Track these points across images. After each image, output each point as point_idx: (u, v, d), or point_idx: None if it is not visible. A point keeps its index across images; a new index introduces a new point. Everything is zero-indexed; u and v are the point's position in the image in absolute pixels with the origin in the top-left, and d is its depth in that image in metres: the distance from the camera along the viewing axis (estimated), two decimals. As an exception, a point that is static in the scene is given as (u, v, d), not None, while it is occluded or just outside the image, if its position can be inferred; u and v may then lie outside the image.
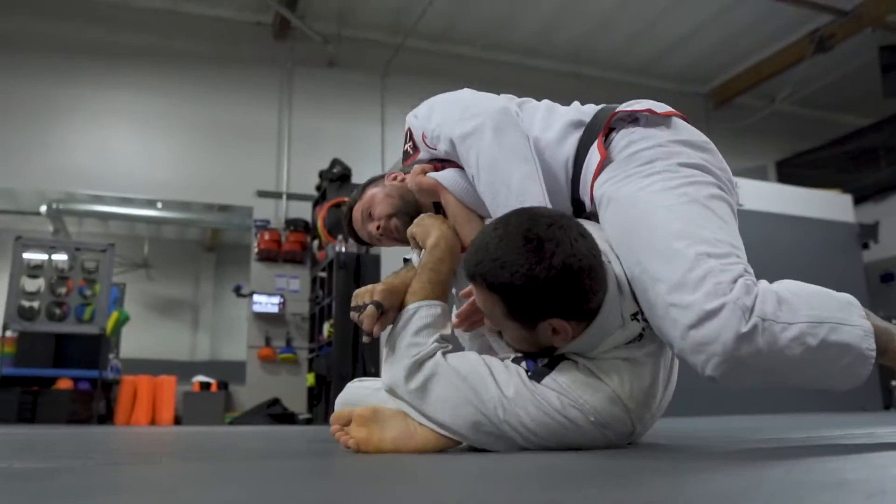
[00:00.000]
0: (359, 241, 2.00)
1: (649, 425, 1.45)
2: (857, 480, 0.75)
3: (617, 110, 1.55)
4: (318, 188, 7.31)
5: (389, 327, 1.49)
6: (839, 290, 1.33)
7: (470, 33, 8.23)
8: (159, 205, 7.47)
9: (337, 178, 6.96)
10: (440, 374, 1.35)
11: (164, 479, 0.98)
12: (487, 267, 1.23)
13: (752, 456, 1.13)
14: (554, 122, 1.62)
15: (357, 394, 1.81)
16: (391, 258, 5.87)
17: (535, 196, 1.47)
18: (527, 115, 1.64)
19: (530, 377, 1.32)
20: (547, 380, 1.31)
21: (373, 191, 1.90)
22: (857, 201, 7.06)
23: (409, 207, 1.80)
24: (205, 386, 6.68)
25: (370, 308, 1.55)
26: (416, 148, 1.80)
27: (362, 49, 8.11)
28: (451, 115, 1.62)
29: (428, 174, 1.70)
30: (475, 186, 1.56)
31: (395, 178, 1.86)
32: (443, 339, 1.44)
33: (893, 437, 1.50)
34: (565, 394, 1.29)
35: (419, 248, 1.63)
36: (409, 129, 1.81)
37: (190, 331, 8.27)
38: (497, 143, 1.51)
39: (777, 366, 1.23)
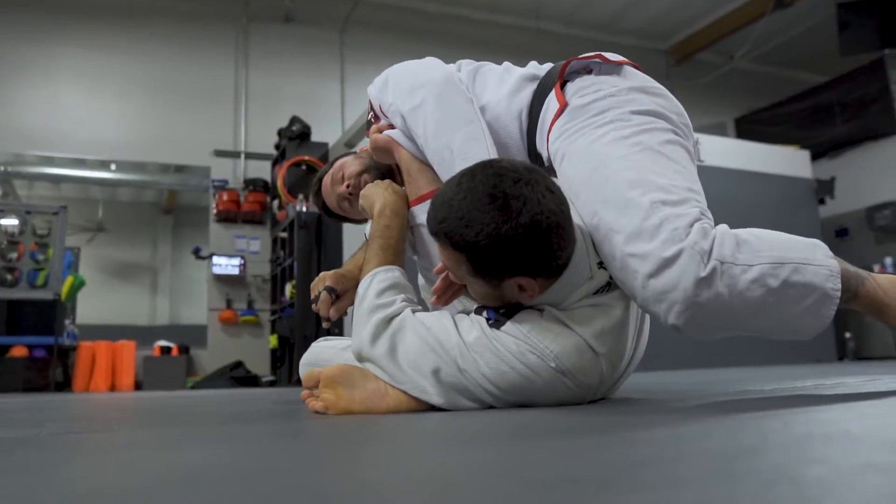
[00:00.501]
0: (328, 212, 1.99)
1: (622, 378, 1.44)
2: (862, 430, 0.74)
3: (569, 60, 1.54)
4: (277, 147, 7.17)
5: (357, 293, 1.46)
6: None
7: (430, -12, 8.07)
8: (113, 166, 7.26)
9: (296, 136, 6.83)
10: (407, 328, 1.33)
11: (121, 447, 0.94)
12: (452, 225, 1.19)
13: (738, 408, 1.12)
14: (508, 78, 1.62)
15: (323, 354, 1.79)
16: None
17: (479, 155, 1.45)
18: (482, 78, 1.65)
19: (490, 325, 1.29)
20: (507, 326, 1.29)
21: (343, 160, 1.95)
22: (814, 157, 7.17)
23: (381, 167, 1.80)
24: (165, 350, 6.59)
25: (323, 294, 1.63)
26: (377, 118, 1.80)
27: (320, 4, 7.90)
28: (400, 89, 1.63)
29: (383, 132, 1.70)
30: (425, 156, 1.56)
31: (364, 150, 1.88)
32: (408, 300, 1.41)
33: (868, 387, 1.52)
34: (524, 339, 1.26)
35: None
36: (370, 100, 1.80)
37: (149, 295, 8.12)
38: (439, 110, 1.52)
39: (739, 310, 1.21)
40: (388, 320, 1.34)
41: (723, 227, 1.26)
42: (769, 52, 9.26)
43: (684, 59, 9.32)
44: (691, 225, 1.22)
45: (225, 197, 7.11)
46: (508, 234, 1.15)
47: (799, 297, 1.23)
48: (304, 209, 6.20)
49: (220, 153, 7.32)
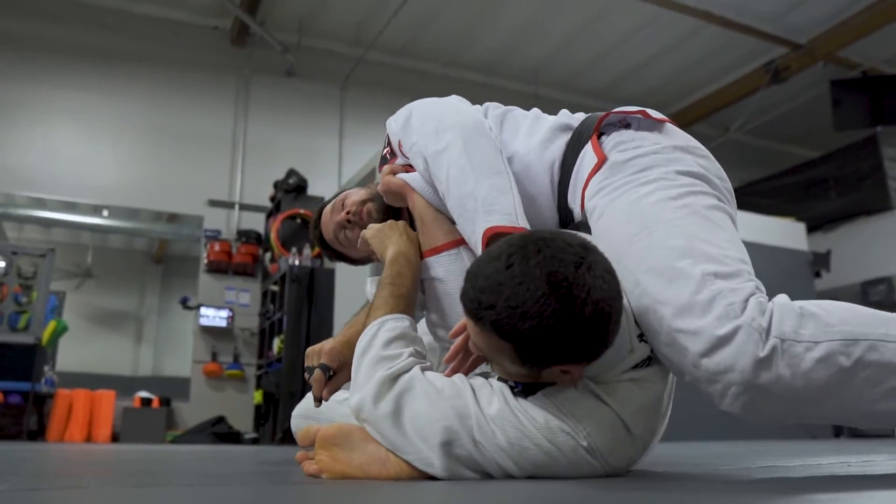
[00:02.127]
0: (324, 245, 1.88)
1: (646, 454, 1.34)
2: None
3: (608, 112, 1.46)
4: (273, 199, 7.13)
5: (360, 340, 1.32)
6: None
7: (431, 49, 8.19)
8: (105, 212, 7.19)
9: (292, 189, 6.80)
10: (415, 389, 1.19)
11: (89, 509, 0.83)
12: (504, 314, 1.03)
13: (784, 488, 1.02)
14: (540, 127, 1.53)
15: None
16: (346, 272, 5.72)
17: (505, 208, 1.34)
18: (511, 124, 1.56)
19: (516, 393, 1.17)
20: (537, 396, 1.16)
21: (349, 190, 1.84)
22: (809, 230, 7.18)
23: (385, 202, 1.68)
24: (146, 402, 6.40)
25: (317, 372, 1.48)
26: (393, 154, 1.69)
27: (322, 59, 7.99)
28: (426, 129, 1.52)
29: (397, 175, 1.59)
30: (446, 204, 1.45)
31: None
32: (418, 353, 1.28)
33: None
34: (554, 412, 1.15)
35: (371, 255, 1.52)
36: (388, 135, 1.70)
37: (133, 344, 7.96)
38: (465, 156, 1.40)
39: (806, 393, 1.09)
40: (394, 378, 1.21)
41: (782, 297, 1.16)
42: (764, 125, 9.39)
43: (681, 129, 9.42)
44: (747, 300, 1.12)
45: (217, 247, 7.03)
46: (569, 326, 1.02)
47: (877, 378, 1.10)
48: (297, 263, 6.12)
49: (214, 203, 7.27)
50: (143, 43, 7.35)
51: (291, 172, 6.92)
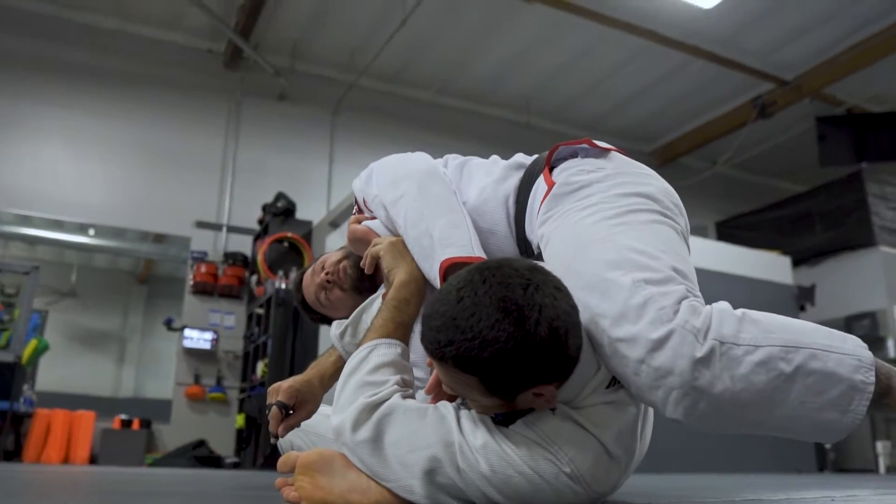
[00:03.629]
0: (306, 308, 1.93)
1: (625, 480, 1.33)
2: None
3: (557, 145, 1.51)
4: (261, 222, 7.11)
5: (351, 360, 1.33)
6: None
7: (423, 77, 8.25)
8: (91, 231, 7.14)
9: (281, 212, 6.79)
10: (397, 414, 1.18)
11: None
12: (462, 347, 1.04)
13: None
14: (495, 168, 1.60)
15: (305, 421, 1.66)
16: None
17: (460, 242, 1.39)
18: (468, 171, 1.62)
19: (497, 422, 1.17)
20: (517, 424, 1.16)
21: (328, 254, 1.91)
22: (794, 264, 7.23)
23: (361, 256, 1.75)
24: (126, 423, 6.31)
25: (273, 409, 1.51)
26: (360, 212, 1.76)
27: (314, 84, 8.02)
28: (384, 180, 1.60)
29: (362, 223, 1.66)
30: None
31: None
32: (404, 382, 1.27)
33: (878, 500, 1.41)
34: (535, 439, 1.14)
35: (373, 276, 1.52)
36: (355, 195, 1.77)
37: (114, 365, 7.86)
38: (421, 198, 1.47)
39: (746, 398, 1.09)
40: (375, 406, 1.20)
41: (722, 303, 1.17)
42: (751, 159, 9.50)
43: (668, 162, 9.51)
44: (679, 303, 1.14)
45: (203, 269, 6.99)
46: (526, 348, 1.03)
47: (819, 387, 1.11)
48: (283, 286, 6.09)
49: (201, 224, 7.25)
50: (136, 63, 7.35)
51: (280, 196, 6.91)
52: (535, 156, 1.58)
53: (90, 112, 7.05)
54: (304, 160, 7.77)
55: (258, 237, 7.06)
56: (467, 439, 1.15)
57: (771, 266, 6.76)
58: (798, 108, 8.25)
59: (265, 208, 7.03)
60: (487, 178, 1.56)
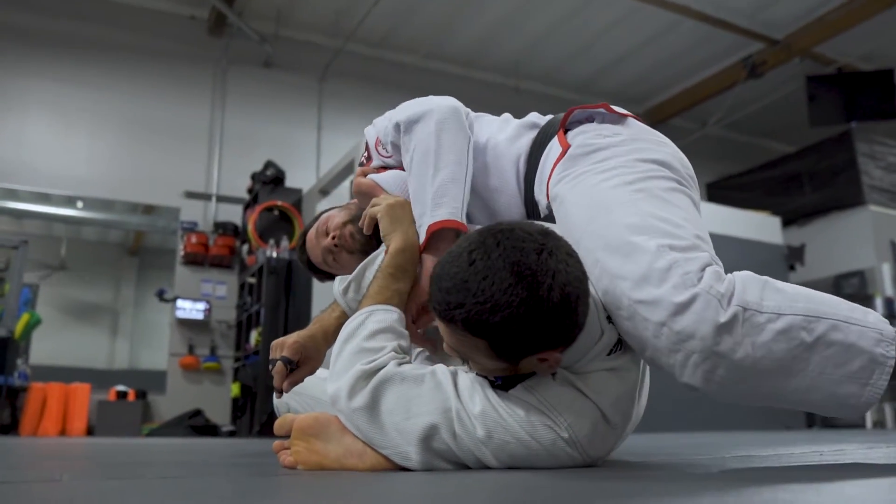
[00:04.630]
0: (312, 269, 1.90)
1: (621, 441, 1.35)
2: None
3: (573, 108, 1.49)
4: (250, 191, 7.07)
5: (346, 326, 1.32)
6: None
7: (411, 41, 8.15)
8: (80, 204, 7.08)
9: (270, 180, 6.75)
10: (393, 381, 1.18)
11: (60, 501, 0.82)
12: (473, 310, 1.03)
13: (759, 476, 1.03)
14: (508, 126, 1.58)
15: (305, 385, 1.66)
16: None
17: (453, 201, 1.39)
18: (480, 124, 1.61)
19: (496, 387, 1.17)
20: (517, 389, 1.16)
21: (329, 212, 1.86)
22: (784, 224, 7.26)
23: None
24: (121, 395, 6.33)
25: (278, 364, 1.49)
26: (369, 158, 1.73)
27: (300, 51, 7.92)
28: (405, 107, 1.57)
29: (368, 175, 1.64)
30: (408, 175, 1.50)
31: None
32: (401, 349, 1.27)
33: (872, 455, 1.44)
34: (535, 404, 1.15)
35: (375, 237, 1.50)
36: (367, 141, 1.74)
37: (108, 337, 7.85)
38: (436, 136, 1.45)
39: (766, 366, 1.10)
40: (372, 373, 1.20)
41: (747, 272, 1.18)
42: (741, 120, 9.47)
43: (659, 123, 9.47)
44: (703, 269, 1.14)
45: (193, 239, 6.96)
46: (538, 313, 1.02)
47: (840, 358, 1.11)
48: (275, 255, 6.08)
49: (190, 195, 7.20)
50: (119, 32, 7.23)
51: (269, 164, 6.86)
52: (550, 116, 1.57)
53: (75, 83, 6.95)
54: (292, 127, 7.70)
55: (248, 206, 7.03)
56: (465, 406, 1.15)
57: (761, 226, 6.78)
58: (788, 68, 8.22)
59: (254, 177, 6.99)
60: (500, 134, 1.56)
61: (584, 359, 1.20)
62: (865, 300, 7.64)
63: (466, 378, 1.19)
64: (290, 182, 6.90)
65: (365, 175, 1.67)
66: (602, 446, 1.21)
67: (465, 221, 1.40)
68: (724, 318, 1.10)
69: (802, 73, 8.27)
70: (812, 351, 1.11)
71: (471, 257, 1.05)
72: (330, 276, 1.89)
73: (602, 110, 1.48)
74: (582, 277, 1.09)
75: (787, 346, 1.10)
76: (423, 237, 1.39)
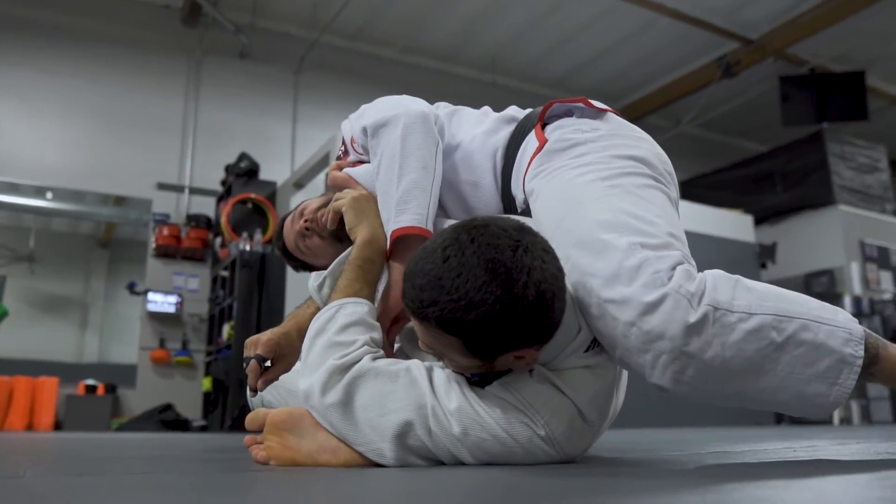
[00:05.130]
0: (286, 255, 1.87)
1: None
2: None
3: (551, 102, 1.48)
4: (224, 183, 6.99)
5: (316, 320, 1.30)
6: None
7: (388, 34, 8.10)
8: (49, 195, 6.95)
9: (244, 173, 6.68)
10: (367, 376, 1.16)
11: (21, 499, 0.79)
12: (447, 308, 1.01)
13: (734, 474, 1.03)
14: (486, 119, 1.57)
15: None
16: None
17: (417, 208, 1.37)
18: (458, 119, 1.60)
19: (472, 384, 1.15)
20: (494, 386, 1.14)
21: (308, 200, 1.85)
22: (756, 223, 7.35)
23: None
24: (90, 389, 6.24)
25: (252, 363, 1.47)
26: (346, 152, 1.72)
27: (276, 42, 7.84)
28: (374, 109, 1.56)
29: (344, 169, 1.63)
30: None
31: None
32: (373, 342, 1.25)
33: (844, 452, 1.45)
34: (512, 401, 1.13)
35: (340, 232, 1.49)
36: (343, 137, 1.73)
37: (77, 330, 7.73)
38: (401, 141, 1.43)
39: (736, 366, 1.09)
40: (346, 368, 1.18)
41: (717, 271, 1.17)
42: (715, 119, 9.56)
43: (634, 121, 9.28)
44: (673, 268, 1.13)
45: (165, 232, 6.87)
46: (513, 311, 1.00)
47: (809, 358, 1.11)
48: (248, 248, 6.02)
49: (163, 186, 7.10)
50: (91, 20, 7.10)
51: (243, 156, 6.79)
52: (528, 110, 1.56)
53: (45, 71, 6.81)
54: (267, 120, 7.63)
55: (221, 198, 6.95)
56: (441, 402, 1.13)
57: (734, 224, 6.86)
58: (762, 68, 8.30)
59: (228, 169, 6.91)
60: (477, 128, 1.54)
61: (561, 355, 1.18)
62: (834, 299, 7.76)
63: (442, 374, 1.18)
64: (264, 175, 6.84)
65: (340, 169, 1.66)
66: (579, 443, 1.20)
67: (430, 228, 1.39)
68: (693, 318, 1.09)
69: (776, 73, 8.37)
70: (782, 350, 1.11)
71: (445, 254, 1.03)
72: (303, 265, 1.87)
73: (581, 105, 1.47)
74: (558, 274, 1.07)
75: (757, 345, 1.10)
76: (388, 242, 1.39)
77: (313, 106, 7.77)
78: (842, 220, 8.04)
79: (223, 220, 6.43)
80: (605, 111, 1.48)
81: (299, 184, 6.10)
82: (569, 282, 1.20)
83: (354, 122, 1.64)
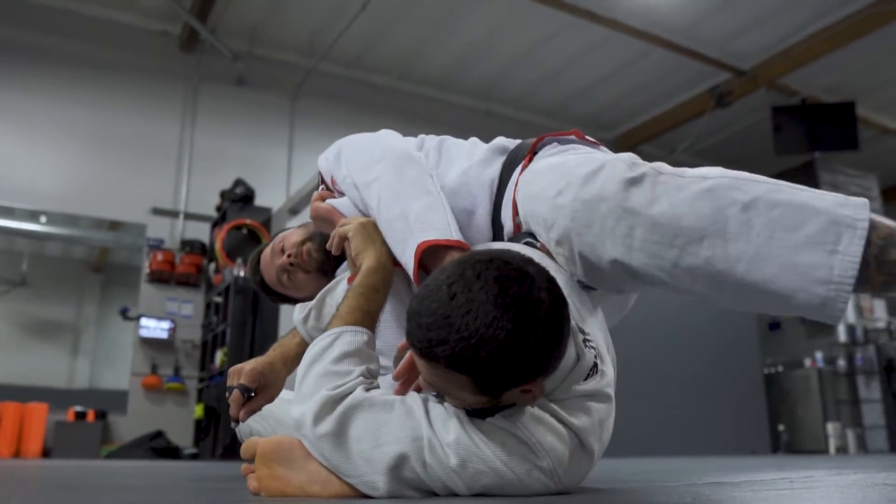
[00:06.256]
0: (266, 290, 1.85)
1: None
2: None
3: (545, 136, 1.48)
4: (219, 209, 6.99)
5: (312, 347, 1.26)
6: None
7: (384, 62, 8.17)
8: (43, 219, 6.94)
9: (239, 198, 6.69)
10: (360, 409, 1.13)
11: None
12: (458, 346, 0.97)
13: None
14: (478, 150, 1.56)
15: (273, 407, 1.61)
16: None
17: (438, 226, 1.32)
18: (447, 151, 1.57)
19: (472, 414, 1.12)
20: (495, 417, 1.11)
21: (285, 232, 1.83)
22: (750, 251, 7.36)
23: (325, 236, 1.67)
24: (80, 415, 6.17)
25: (235, 392, 1.45)
26: (326, 187, 1.70)
27: (273, 69, 7.89)
28: (355, 161, 1.52)
29: (326, 200, 1.60)
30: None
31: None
32: (369, 373, 1.22)
33: (842, 482, 1.43)
34: (514, 432, 1.10)
35: (339, 257, 1.47)
36: (320, 172, 1.71)
37: (68, 356, 7.67)
38: (396, 179, 1.40)
39: (692, 226, 1.00)
40: (339, 399, 1.14)
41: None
42: (709, 148, 9.63)
43: (628, 150, 9.52)
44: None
45: (159, 257, 6.85)
46: (526, 346, 0.98)
47: (789, 220, 0.96)
48: (242, 274, 6.00)
49: (158, 211, 7.10)
50: (89, 45, 7.14)
51: (238, 182, 6.80)
52: (519, 141, 1.56)
53: (42, 95, 6.84)
54: (263, 146, 7.66)
55: (216, 224, 6.95)
56: (438, 434, 1.10)
57: (728, 253, 6.86)
58: (754, 98, 8.39)
59: (223, 195, 6.91)
60: (469, 159, 1.53)
61: (563, 385, 1.16)
62: (829, 327, 7.77)
63: (439, 405, 1.15)
64: (259, 201, 6.84)
65: (323, 200, 1.62)
66: (577, 474, 1.18)
67: (461, 239, 1.34)
68: (631, 174, 1.08)
69: (768, 103, 8.45)
70: (750, 210, 0.99)
71: (451, 290, 0.99)
72: (285, 298, 1.85)
73: (573, 137, 1.47)
74: (564, 304, 1.05)
75: (714, 203, 1.01)
76: (411, 266, 1.31)
77: (309, 132, 7.81)
78: (835, 249, 8.05)
79: (218, 245, 6.42)
80: (597, 144, 1.48)
81: (295, 210, 6.10)
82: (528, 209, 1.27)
83: (332, 163, 1.60)
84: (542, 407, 1.14)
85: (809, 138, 8.42)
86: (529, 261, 1.06)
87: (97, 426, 6.17)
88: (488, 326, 0.96)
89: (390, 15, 7.23)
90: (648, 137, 9.44)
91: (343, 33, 7.09)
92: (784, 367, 7.83)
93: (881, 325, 7.99)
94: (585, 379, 1.19)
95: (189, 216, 7.20)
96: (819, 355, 7.63)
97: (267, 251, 1.82)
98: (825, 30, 7.28)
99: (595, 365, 1.20)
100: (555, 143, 1.47)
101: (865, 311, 8.04)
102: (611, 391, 1.24)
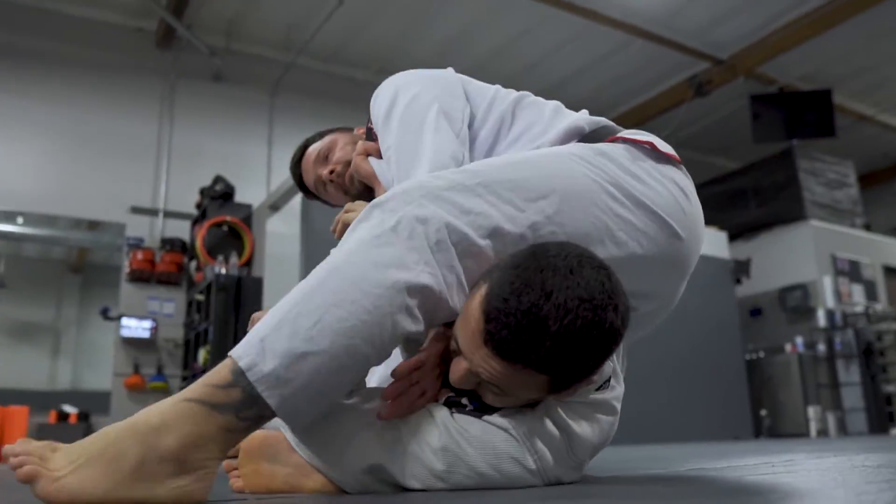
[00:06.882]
0: (300, 186, 1.79)
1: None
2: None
3: (618, 135, 1.36)
4: (199, 206, 6.94)
5: None
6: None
7: (363, 56, 8.13)
8: (20, 219, 6.85)
9: (219, 196, 6.64)
10: (343, 409, 1.11)
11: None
12: (554, 349, 0.95)
13: (726, 492, 1.02)
14: (558, 123, 1.43)
15: None
16: (273, 282, 5.61)
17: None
18: (529, 112, 1.48)
19: (469, 412, 1.11)
20: (494, 417, 1.10)
21: (335, 136, 1.73)
22: (730, 239, 7.43)
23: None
24: (62, 417, 6.12)
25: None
26: (372, 132, 1.57)
27: (251, 64, 7.83)
28: (410, 76, 1.49)
29: (371, 159, 1.51)
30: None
31: (363, 132, 1.67)
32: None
33: (823, 464, 1.45)
34: (513, 433, 1.09)
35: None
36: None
37: (49, 357, 7.60)
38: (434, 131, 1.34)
39: None
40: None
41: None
42: (688, 137, 9.68)
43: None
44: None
45: (139, 256, 6.79)
46: (609, 343, 0.98)
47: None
48: (223, 271, 5.97)
49: (136, 210, 7.03)
50: (64, 43, 7.05)
51: (218, 179, 6.75)
52: (599, 121, 1.44)
53: (16, 94, 6.74)
54: (243, 142, 7.60)
55: (196, 222, 6.89)
56: (427, 441, 1.09)
57: (709, 241, 6.88)
58: (733, 87, 8.45)
59: (203, 192, 6.86)
60: (546, 136, 1.41)
61: (581, 391, 1.14)
62: (807, 312, 7.86)
63: (425, 412, 1.12)
64: (239, 197, 6.80)
65: (367, 154, 1.52)
66: (570, 477, 1.18)
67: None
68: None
69: (746, 92, 8.52)
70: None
71: (544, 288, 0.95)
72: (316, 198, 1.80)
73: (647, 147, 1.33)
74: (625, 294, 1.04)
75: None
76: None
77: (289, 128, 7.76)
78: (813, 235, 8.16)
79: (198, 243, 6.37)
80: (671, 158, 1.33)
81: (275, 206, 6.07)
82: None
83: (381, 125, 1.45)
84: (545, 408, 1.13)
85: (787, 126, 8.50)
86: (595, 256, 1.04)
87: (80, 428, 6.11)
88: (583, 328, 0.95)
89: (368, 9, 7.19)
90: (628, 127, 9.36)
91: (321, 27, 7.05)
92: (765, 353, 7.92)
93: (859, 309, 8.09)
94: (598, 388, 1.18)
95: (169, 214, 7.14)
96: (799, 340, 7.72)
97: (312, 153, 1.73)
98: (802, 18, 7.34)
99: (609, 378, 1.20)
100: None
101: (844, 295, 8.14)
102: (617, 405, 1.23)
